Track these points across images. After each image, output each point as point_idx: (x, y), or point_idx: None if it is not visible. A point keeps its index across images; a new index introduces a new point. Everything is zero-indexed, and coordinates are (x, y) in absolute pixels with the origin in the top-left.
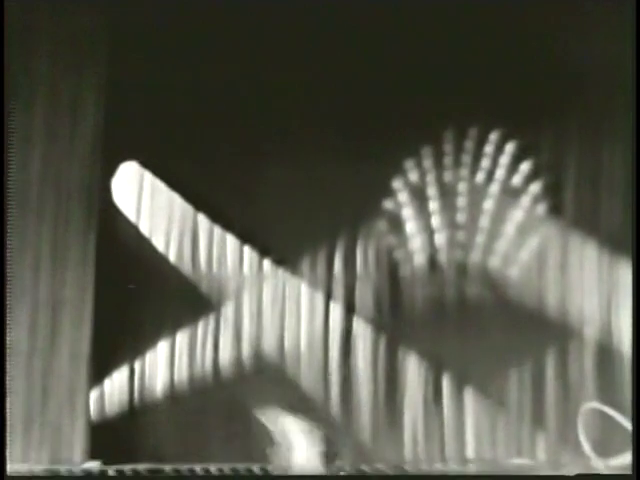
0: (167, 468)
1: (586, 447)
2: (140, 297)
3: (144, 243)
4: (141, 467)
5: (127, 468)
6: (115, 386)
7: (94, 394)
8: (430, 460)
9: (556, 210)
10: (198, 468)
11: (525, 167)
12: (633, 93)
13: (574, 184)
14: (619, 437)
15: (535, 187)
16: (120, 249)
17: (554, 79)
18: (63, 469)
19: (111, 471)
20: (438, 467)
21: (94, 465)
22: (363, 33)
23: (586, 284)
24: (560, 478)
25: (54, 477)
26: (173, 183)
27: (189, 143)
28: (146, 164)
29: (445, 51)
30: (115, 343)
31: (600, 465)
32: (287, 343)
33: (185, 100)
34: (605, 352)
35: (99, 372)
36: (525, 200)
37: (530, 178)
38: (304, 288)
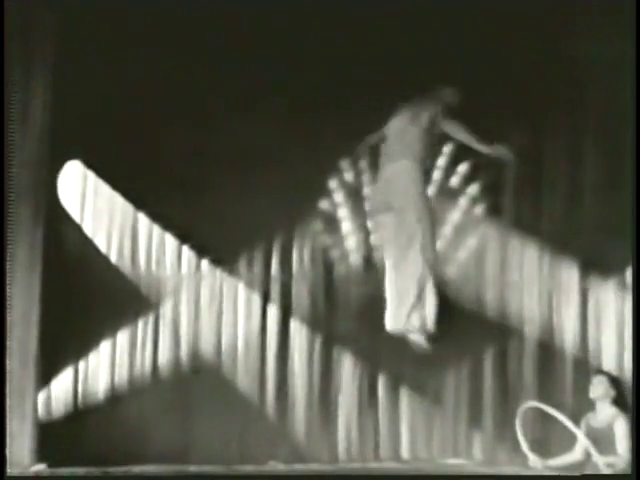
0: (107, 471)
1: (524, 446)
2: (84, 297)
3: (87, 243)
4: (82, 470)
5: (72, 471)
6: (60, 387)
7: (41, 395)
8: (364, 459)
9: (495, 211)
10: (137, 469)
11: (463, 168)
12: (633, 93)
13: (513, 184)
14: (559, 437)
15: (473, 188)
16: (65, 249)
17: (494, 77)
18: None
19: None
20: (373, 466)
21: (42, 468)
22: (314, 31)
23: (526, 284)
24: (561, 478)
25: (55, 478)
26: (115, 183)
27: (131, 143)
28: (89, 164)
29: (383, 47)
30: (61, 343)
31: (538, 465)
32: (224, 342)
33: (129, 101)
34: (545, 351)
35: (46, 373)
36: (463, 201)
37: (468, 179)
38: (241, 287)
